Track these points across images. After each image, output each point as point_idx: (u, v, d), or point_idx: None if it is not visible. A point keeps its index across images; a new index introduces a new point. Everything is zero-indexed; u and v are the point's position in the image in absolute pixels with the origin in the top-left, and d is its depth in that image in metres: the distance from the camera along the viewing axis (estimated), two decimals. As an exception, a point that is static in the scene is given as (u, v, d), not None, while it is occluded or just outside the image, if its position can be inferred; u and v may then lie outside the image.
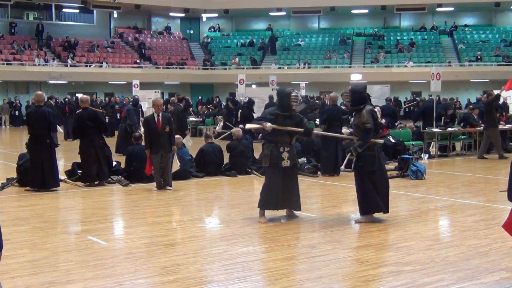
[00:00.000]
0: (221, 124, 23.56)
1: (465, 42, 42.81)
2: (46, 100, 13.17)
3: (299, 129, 8.71)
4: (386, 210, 8.73)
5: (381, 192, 8.65)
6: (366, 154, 8.52)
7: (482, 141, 17.60)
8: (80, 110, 12.59)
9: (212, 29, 49.04)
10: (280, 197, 8.69)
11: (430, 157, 17.14)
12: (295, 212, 8.99)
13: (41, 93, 12.10)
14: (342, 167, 13.15)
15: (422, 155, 16.81)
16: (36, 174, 11.50)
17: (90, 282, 5.84)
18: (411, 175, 13.04)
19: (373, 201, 8.59)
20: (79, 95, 35.42)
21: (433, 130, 17.51)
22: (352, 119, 9.31)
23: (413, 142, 17.39)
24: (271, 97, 22.66)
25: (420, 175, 13.03)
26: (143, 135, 12.56)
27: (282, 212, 9.01)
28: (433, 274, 6.05)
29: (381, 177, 8.68)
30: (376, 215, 8.79)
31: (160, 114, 11.85)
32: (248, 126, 9.03)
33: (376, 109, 9.47)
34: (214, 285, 5.81)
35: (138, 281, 5.88)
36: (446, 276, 5.99)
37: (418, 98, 32.23)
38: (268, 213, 8.82)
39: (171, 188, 11.83)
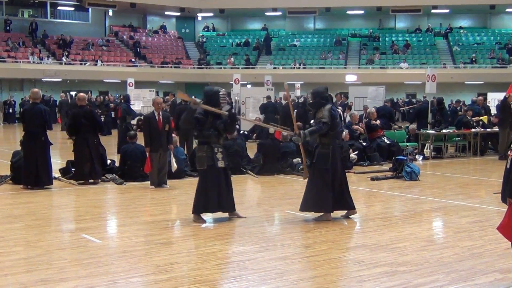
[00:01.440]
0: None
1: (460, 44, 42.90)
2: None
3: (224, 112, 8.57)
4: (332, 210, 8.79)
5: (336, 191, 8.75)
6: (320, 151, 8.73)
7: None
8: (76, 108, 12.55)
9: (206, 29, 49.01)
10: (222, 198, 8.52)
11: (425, 158, 17.16)
12: (239, 213, 8.83)
13: (37, 90, 12.05)
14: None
15: (416, 157, 16.83)
16: (29, 171, 11.46)
17: (84, 280, 5.82)
18: (406, 176, 13.05)
19: (321, 200, 8.70)
20: (73, 93, 35.55)
21: (427, 131, 17.53)
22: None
23: (408, 144, 17.41)
24: (268, 98, 22.67)
25: (415, 176, 13.04)
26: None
27: (268, 213, 8.99)
28: (427, 275, 6.05)
29: (334, 176, 8.74)
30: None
31: (161, 113, 11.86)
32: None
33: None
34: (208, 284, 5.79)
35: (132, 280, 5.86)
36: (440, 277, 5.99)
37: (414, 100, 32.38)
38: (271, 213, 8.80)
39: (167, 186, 11.85)
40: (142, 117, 22.37)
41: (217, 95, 8.58)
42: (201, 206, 8.55)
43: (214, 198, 8.47)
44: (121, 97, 23.82)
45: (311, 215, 8.92)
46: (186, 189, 11.83)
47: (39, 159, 11.42)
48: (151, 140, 11.73)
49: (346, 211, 9.01)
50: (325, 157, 8.69)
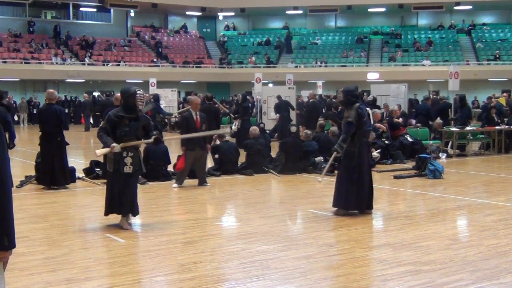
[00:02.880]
0: (237, 123, 23.53)
1: (483, 40, 42.48)
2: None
3: (148, 140, 8.35)
4: (358, 209, 8.96)
5: (360, 189, 8.88)
6: (347, 149, 8.83)
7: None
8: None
9: (227, 28, 49.08)
10: (114, 201, 8.12)
11: (448, 156, 17.03)
12: (131, 217, 8.37)
13: (53, 91, 12.15)
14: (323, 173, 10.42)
15: (440, 154, 16.71)
16: (45, 171, 11.60)
17: (108, 279, 5.86)
18: (429, 175, 12.96)
19: (346, 198, 8.90)
20: (96, 94, 35.82)
21: (451, 129, 17.40)
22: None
23: (431, 141, 17.29)
24: (279, 97, 22.63)
25: (438, 175, 12.94)
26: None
27: (282, 212, 8.97)
28: (451, 274, 6.00)
29: (359, 175, 8.87)
30: None
31: (198, 113, 11.93)
32: (97, 152, 8.25)
33: (368, 109, 9.71)
34: (232, 283, 5.80)
35: (156, 279, 5.89)
36: (465, 276, 5.94)
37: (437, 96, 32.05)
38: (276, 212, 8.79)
39: (208, 185, 11.95)
40: (175, 117, 22.58)
41: (133, 97, 7.96)
42: (109, 208, 8.19)
43: (116, 202, 8.08)
44: (151, 96, 23.96)
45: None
46: (208, 188, 11.86)
47: (55, 159, 11.53)
48: (188, 139, 11.77)
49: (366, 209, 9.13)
50: (352, 155, 8.83)
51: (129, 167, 8.00)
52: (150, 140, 8.41)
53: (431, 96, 22.37)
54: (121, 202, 8.07)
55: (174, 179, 12.27)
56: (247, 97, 23.05)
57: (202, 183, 12.04)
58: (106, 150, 7.94)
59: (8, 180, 3.17)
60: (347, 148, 8.85)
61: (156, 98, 19.99)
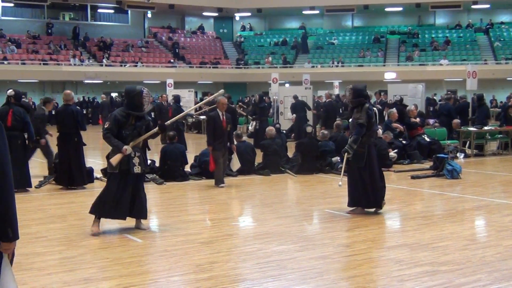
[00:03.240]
0: (254, 123, 23.56)
1: (502, 39, 42.14)
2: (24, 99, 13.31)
3: (154, 131, 8.06)
4: (370, 206, 9.16)
5: (371, 188, 9.02)
6: (356, 150, 8.93)
7: None
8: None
9: (243, 29, 49.11)
10: (128, 206, 7.87)
11: (466, 156, 16.92)
12: (143, 222, 8.20)
13: (70, 92, 12.25)
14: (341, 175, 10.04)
15: (457, 154, 16.61)
16: (63, 172, 11.70)
17: (126, 279, 5.89)
18: (447, 175, 12.89)
19: (358, 196, 9.05)
20: (114, 94, 36.02)
21: (469, 128, 17.28)
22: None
23: (449, 141, 17.20)
24: (295, 97, 22.60)
25: (456, 175, 12.87)
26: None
27: (297, 212, 8.96)
28: (469, 275, 5.97)
29: (371, 174, 9.01)
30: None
31: (224, 113, 11.99)
32: (113, 162, 7.77)
33: (375, 108, 9.77)
34: (248, 283, 5.81)
35: (173, 279, 5.91)
36: (482, 277, 5.91)
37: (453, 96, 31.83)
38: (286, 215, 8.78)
39: (223, 185, 11.98)
40: (194, 117, 22.68)
41: (140, 96, 7.91)
42: (103, 209, 7.85)
43: (119, 205, 7.80)
44: (159, 97, 24.09)
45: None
46: (225, 188, 11.88)
47: (72, 160, 11.63)
48: (215, 139, 11.83)
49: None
50: (361, 156, 8.95)
51: (138, 167, 7.88)
52: (155, 130, 8.11)
53: (452, 96, 22.17)
54: (135, 205, 7.93)
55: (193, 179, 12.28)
56: (264, 97, 23.05)
57: (218, 183, 12.06)
58: (119, 156, 7.72)
59: (11, 175, 3.33)
60: (356, 149, 8.94)
61: (177, 99, 20.11)
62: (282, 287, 5.68)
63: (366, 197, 9.07)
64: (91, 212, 7.97)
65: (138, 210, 8.01)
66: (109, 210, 7.83)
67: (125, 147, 7.72)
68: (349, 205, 9.24)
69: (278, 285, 5.71)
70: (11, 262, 3.52)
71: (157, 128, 8.16)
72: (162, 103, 22.60)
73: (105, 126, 7.88)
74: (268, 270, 6.14)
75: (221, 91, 9.95)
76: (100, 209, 7.89)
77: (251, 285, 5.75)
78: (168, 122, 8.68)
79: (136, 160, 7.86)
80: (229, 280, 5.83)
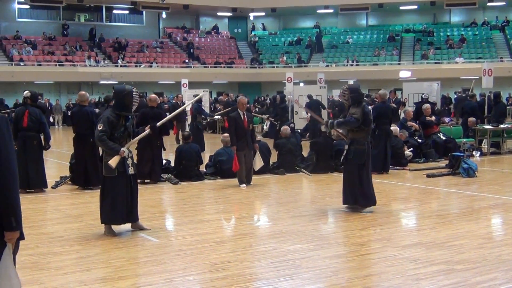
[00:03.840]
0: (268, 123, 23.57)
1: (518, 37, 41.85)
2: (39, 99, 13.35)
3: (147, 131, 8.09)
4: (367, 204, 9.23)
5: (367, 185, 9.19)
6: (356, 148, 9.10)
7: None
8: (147, 108, 12.76)
9: (253, 28, 49.07)
10: (127, 208, 7.83)
11: (482, 154, 16.82)
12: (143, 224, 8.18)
13: (84, 93, 12.31)
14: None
15: (473, 153, 16.51)
16: (79, 172, 11.79)
17: (141, 278, 5.93)
18: (463, 173, 12.82)
19: (356, 193, 9.15)
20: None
21: (485, 127, 17.18)
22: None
23: (465, 139, 17.10)
24: (310, 96, 22.57)
25: (472, 173, 12.80)
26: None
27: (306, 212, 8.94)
28: (485, 273, 5.95)
29: (367, 172, 9.23)
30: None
31: (245, 112, 12.03)
32: (112, 164, 7.61)
33: (370, 107, 10.03)
34: (263, 282, 5.83)
35: (188, 278, 5.94)
36: (499, 275, 5.88)
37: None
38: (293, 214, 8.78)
39: (251, 184, 12.08)
40: (213, 117, 22.75)
41: (130, 96, 7.74)
42: (111, 216, 7.77)
43: (122, 209, 7.75)
44: (175, 98, 24.20)
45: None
46: (240, 188, 11.90)
47: (88, 161, 11.70)
48: (237, 139, 11.90)
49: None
50: (362, 153, 9.12)
51: (131, 168, 7.84)
52: (147, 131, 8.12)
53: (479, 94, 21.97)
54: (133, 208, 7.92)
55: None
56: (277, 97, 23.08)
57: (249, 182, 12.14)
58: (117, 158, 7.62)
59: (14, 168, 3.53)
60: (357, 147, 9.13)
61: (198, 99, 20.19)
62: (297, 286, 5.69)
63: (363, 194, 9.17)
64: (103, 222, 7.87)
65: (131, 214, 7.92)
66: (114, 214, 7.77)
67: (122, 149, 7.66)
68: (345, 202, 9.35)
69: (292, 284, 5.72)
70: (15, 252, 3.72)
71: (148, 129, 8.15)
72: (178, 103, 22.68)
73: (99, 128, 7.69)
74: (282, 269, 6.15)
75: (201, 94, 10.03)
76: (106, 216, 7.81)
77: (265, 284, 5.77)
78: (159, 123, 8.61)
79: (129, 161, 7.82)
80: (244, 279, 5.85)
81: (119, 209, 7.73)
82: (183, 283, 5.80)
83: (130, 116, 7.93)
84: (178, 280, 5.86)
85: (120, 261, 6.57)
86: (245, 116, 11.96)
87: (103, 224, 7.89)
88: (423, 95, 19.06)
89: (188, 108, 19.59)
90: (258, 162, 12.40)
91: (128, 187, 7.81)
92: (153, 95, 13.20)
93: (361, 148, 9.13)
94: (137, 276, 6.03)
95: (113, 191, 7.72)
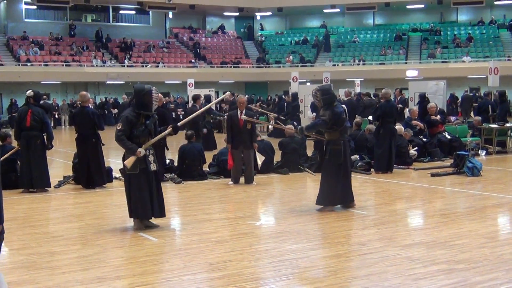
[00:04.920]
0: (273, 122, 23.52)
1: (526, 35, 41.61)
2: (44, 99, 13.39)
3: (168, 131, 8.27)
4: (343, 203, 9.31)
5: (342, 185, 9.20)
6: (333, 148, 9.14)
7: None
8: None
9: (261, 28, 49.04)
10: (152, 204, 7.98)
11: (488, 153, 16.70)
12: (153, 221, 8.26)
13: (85, 93, 12.34)
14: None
15: (479, 152, 16.41)
16: (82, 172, 11.77)
17: (139, 278, 5.89)
18: (467, 172, 12.73)
19: (329, 194, 9.18)
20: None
21: (490, 125, 17.06)
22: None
23: (470, 138, 16.99)
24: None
25: (477, 172, 12.70)
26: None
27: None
28: (486, 273, 5.88)
29: (345, 171, 9.23)
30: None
31: (244, 111, 12.09)
32: (127, 165, 7.85)
33: (343, 106, 9.99)
34: (261, 282, 5.78)
35: (186, 277, 5.89)
36: (500, 275, 5.81)
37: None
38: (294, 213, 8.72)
39: (254, 183, 12.07)
40: (224, 117, 22.77)
41: (149, 95, 7.93)
42: (139, 211, 7.98)
43: (146, 204, 7.93)
44: (180, 98, 24.21)
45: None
46: (243, 187, 11.87)
47: (91, 160, 11.71)
48: (233, 137, 11.96)
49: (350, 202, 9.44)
50: (338, 153, 9.16)
51: (154, 165, 8.02)
52: (169, 131, 8.28)
53: (492, 92, 21.80)
54: (160, 204, 8.07)
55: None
56: (283, 96, 23.07)
57: (249, 182, 12.14)
58: (133, 158, 7.81)
59: None
60: (333, 147, 9.18)
61: (207, 99, 20.20)
62: (295, 286, 5.64)
63: (333, 194, 9.19)
64: (131, 216, 8.08)
65: (160, 208, 8.10)
66: (142, 210, 7.96)
67: (139, 149, 7.80)
68: (318, 203, 9.30)
69: (290, 284, 5.67)
70: (1, 241, 3.95)
71: (170, 129, 8.30)
72: (196, 105, 22.70)
73: (118, 128, 7.90)
74: (281, 269, 6.10)
75: (227, 93, 10.09)
76: (134, 211, 7.99)
77: (263, 284, 5.73)
78: (180, 123, 8.81)
79: (151, 158, 7.98)
80: (242, 279, 5.80)
81: (146, 204, 7.92)
82: (180, 282, 5.75)
83: (152, 115, 8.07)
84: (175, 280, 5.81)
85: (118, 261, 6.54)
86: (243, 115, 11.96)
87: (131, 219, 8.12)
88: (425, 94, 18.97)
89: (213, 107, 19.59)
90: (259, 161, 12.39)
91: (151, 183, 7.95)
92: (159, 95, 13.14)
93: (337, 148, 9.17)
94: (134, 275, 5.99)
95: (138, 187, 7.90)
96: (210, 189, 11.83)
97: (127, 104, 11.90)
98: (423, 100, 17.69)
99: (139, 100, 7.97)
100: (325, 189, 9.23)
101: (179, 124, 8.66)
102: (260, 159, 12.41)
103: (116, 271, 6.11)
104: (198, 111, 10.07)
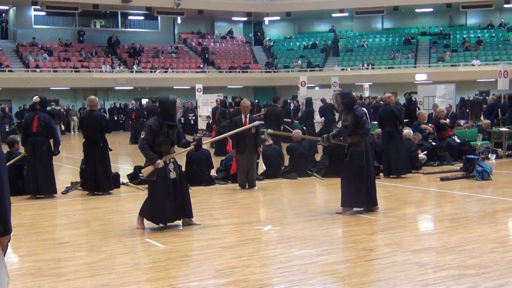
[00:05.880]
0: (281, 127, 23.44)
1: (535, 38, 41.34)
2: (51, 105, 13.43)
3: (191, 147, 8.73)
4: (366, 206, 9.33)
5: (366, 187, 9.22)
6: (354, 150, 9.19)
7: None
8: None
9: (258, 35, 48.90)
10: (171, 210, 8.31)
11: (498, 157, 16.57)
12: (193, 220, 8.65)
13: (94, 97, 12.31)
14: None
15: (489, 155, 16.28)
16: (89, 177, 11.73)
17: (144, 285, 5.84)
18: (477, 176, 12.61)
19: (354, 196, 9.22)
20: (144, 101, 36.31)
21: (500, 129, 16.93)
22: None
23: (480, 142, 16.86)
24: (323, 100, 22.46)
25: (487, 176, 12.59)
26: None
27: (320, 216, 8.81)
28: (496, 278, 5.79)
29: (368, 173, 9.26)
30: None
31: (248, 116, 12.08)
32: (145, 173, 8.32)
33: (364, 109, 9.87)
34: (268, 289, 5.72)
35: (191, 284, 5.83)
36: (510, 280, 5.73)
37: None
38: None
39: (256, 188, 12.06)
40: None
41: (174, 105, 8.28)
42: (149, 213, 8.37)
43: (162, 210, 8.27)
44: (189, 103, 24.21)
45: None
46: (251, 192, 11.81)
47: (98, 165, 11.66)
48: (237, 142, 11.99)
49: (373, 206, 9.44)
50: (360, 155, 9.17)
51: (173, 173, 8.30)
52: (191, 148, 8.78)
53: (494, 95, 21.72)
54: (180, 207, 8.39)
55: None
56: (288, 100, 23.04)
57: (251, 186, 12.13)
58: (150, 168, 8.17)
59: (4, 174, 3.63)
60: (354, 149, 9.21)
61: (223, 104, 20.22)
62: (302, 292, 5.57)
63: (357, 196, 9.21)
64: (140, 214, 8.43)
65: (184, 210, 8.46)
66: (154, 214, 8.34)
67: (159, 161, 8.12)
68: (343, 204, 9.38)
69: (297, 290, 5.60)
70: (4, 253, 3.81)
71: (193, 146, 8.74)
72: (217, 106, 22.83)
73: (142, 137, 8.27)
74: (288, 275, 6.03)
75: (256, 122, 11.33)
76: (148, 212, 8.36)
77: (270, 290, 5.66)
78: (208, 140, 9.47)
79: (171, 166, 8.30)
80: (248, 286, 5.73)
81: (158, 210, 8.26)
82: (185, 289, 5.69)
83: (176, 125, 8.43)
84: (181, 286, 5.76)
85: (124, 267, 6.48)
86: (247, 120, 11.98)
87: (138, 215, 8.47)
88: (411, 97, 18.96)
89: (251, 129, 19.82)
90: (260, 167, 12.38)
91: (169, 190, 8.25)
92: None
93: (358, 150, 9.20)
94: (139, 282, 5.93)
95: (154, 193, 8.29)
96: (218, 194, 11.78)
97: (152, 112, 12.00)
98: (410, 103, 17.63)
99: (164, 110, 8.29)
100: (345, 191, 9.29)
101: (210, 140, 9.27)
102: (262, 165, 12.40)
103: (122, 278, 6.05)
104: (227, 134, 10.42)
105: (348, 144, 9.38)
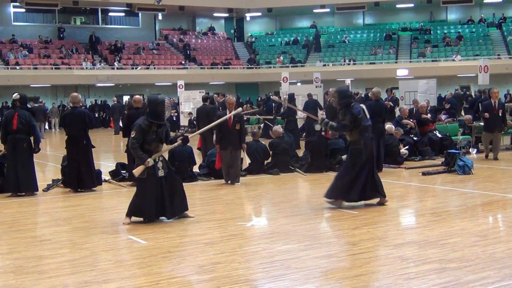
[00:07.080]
0: (262, 124, 23.51)
1: (515, 34, 41.67)
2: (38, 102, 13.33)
3: (178, 142, 8.72)
4: (358, 200, 9.34)
5: (363, 182, 9.23)
6: (353, 148, 9.30)
7: None
8: (132, 109, 12.66)
9: (233, 31, 48.91)
10: (157, 207, 8.46)
11: (479, 151, 16.69)
12: (188, 213, 8.85)
13: (76, 94, 12.23)
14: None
15: (470, 150, 16.39)
16: (72, 175, 11.64)
17: (126, 282, 5.81)
18: (458, 170, 12.70)
19: (342, 188, 9.25)
20: (126, 98, 36.14)
21: (481, 124, 17.05)
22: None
23: (461, 137, 16.97)
24: (309, 95, 22.47)
25: (468, 170, 12.68)
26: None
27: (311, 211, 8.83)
28: (478, 271, 5.83)
29: (369, 169, 9.29)
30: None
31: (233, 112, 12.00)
32: (136, 173, 8.38)
33: (363, 107, 9.83)
34: (251, 284, 5.71)
35: (174, 280, 5.81)
36: (492, 273, 5.76)
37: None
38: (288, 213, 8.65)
39: (239, 184, 12.06)
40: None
41: (162, 105, 8.47)
42: (136, 210, 8.53)
43: (150, 207, 8.42)
44: (171, 99, 24.08)
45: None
46: (233, 188, 11.80)
47: (81, 163, 11.56)
48: (221, 138, 11.99)
49: (379, 199, 9.49)
50: (359, 153, 9.22)
51: (162, 171, 8.44)
52: (179, 143, 8.74)
53: (477, 90, 21.84)
54: (174, 203, 8.53)
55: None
56: (270, 96, 23.03)
57: (234, 182, 12.11)
58: (141, 168, 8.29)
59: None
60: (353, 147, 9.32)
61: (239, 111, 20.15)
62: (285, 287, 5.56)
63: (350, 190, 9.22)
64: (127, 215, 8.52)
65: (179, 204, 8.63)
66: (142, 210, 8.49)
67: (148, 159, 8.27)
68: (327, 196, 9.42)
69: (281, 285, 5.60)
70: None
71: (180, 140, 8.73)
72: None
73: (132, 136, 8.41)
74: (271, 270, 6.03)
75: (239, 109, 11.43)
76: (135, 209, 8.50)
77: (254, 286, 5.67)
78: (193, 134, 9.63)
79: (160, 164, 8.45)
80: (231, 281, 5.72)
81: (146, 207, 8.41)
82: (168, 285, 5.66)
83: (165, 124, 8.61)
84: (163, 283, 5.72)
85: (106, 264, 6.43)
86: (231, 116, 11.89)
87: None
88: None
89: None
90: (244, 162, 12.41)
91: (158, 188, 8.39)
92: (137, 96, 13.06)
93: (357, 148, 9.26)
94: (122, 279, 5.89)
95: (142, 191, 8.43)
96: (201, 190, 11.75)
97: (142, 112, 11.92)
98: (366, 99, 17.71)
99: (152, 110, 8.46)
100: (340, 182, 9.32)
101: (192, 135, 9.57)
102: (246, 161, 12.44)
103: (104, 275, 6.01)
104: (211, 125, 10.40)
105: (348, 142, 9.59)
